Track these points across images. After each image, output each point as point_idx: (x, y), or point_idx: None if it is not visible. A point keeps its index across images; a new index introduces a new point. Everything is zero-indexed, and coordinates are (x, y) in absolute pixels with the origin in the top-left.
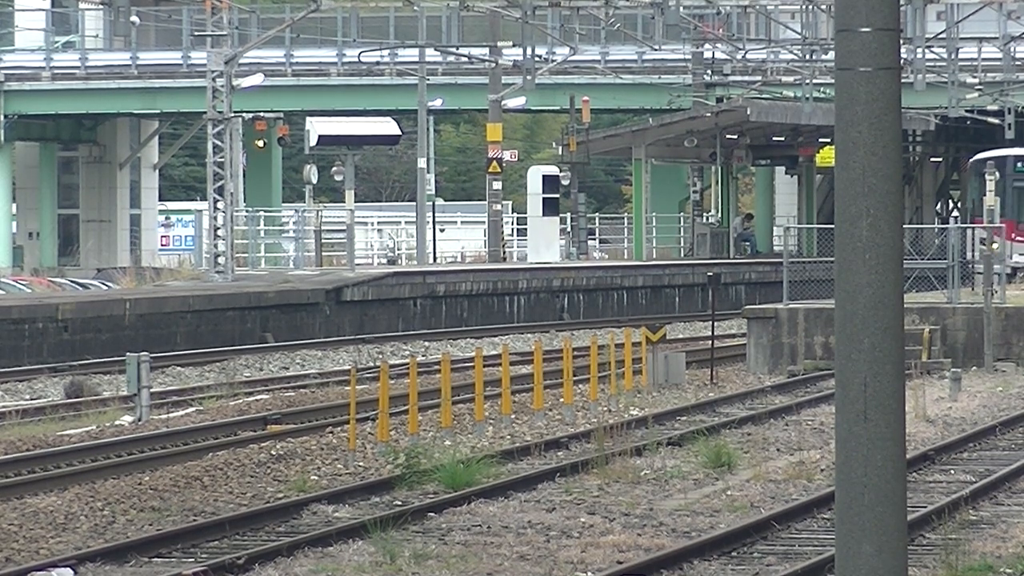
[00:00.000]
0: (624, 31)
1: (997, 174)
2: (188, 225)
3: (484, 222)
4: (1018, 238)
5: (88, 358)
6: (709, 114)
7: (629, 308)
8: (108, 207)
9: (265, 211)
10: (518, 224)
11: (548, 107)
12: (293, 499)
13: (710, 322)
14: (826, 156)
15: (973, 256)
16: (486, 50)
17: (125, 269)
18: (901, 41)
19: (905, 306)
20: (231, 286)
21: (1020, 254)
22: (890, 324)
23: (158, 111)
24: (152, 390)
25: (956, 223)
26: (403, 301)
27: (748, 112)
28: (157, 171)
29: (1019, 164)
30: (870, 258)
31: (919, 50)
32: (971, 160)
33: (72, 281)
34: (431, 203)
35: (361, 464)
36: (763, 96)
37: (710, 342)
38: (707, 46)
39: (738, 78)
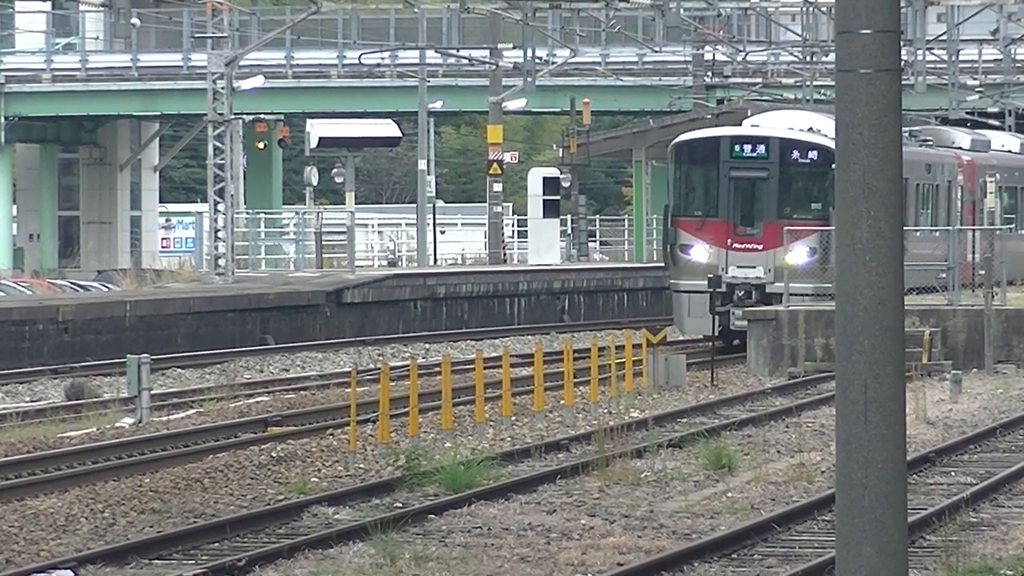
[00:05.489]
0: (624, 33)
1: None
2: (189, 227)
3: (484, 224)
4: (736, 245)
5: (89, 360)
6: (710, 116)
7: (630, 310)
8: (108, 209)
9: (265, 213)
10: (518, 226)
11: (548, 109)
12: (293, 501)
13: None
14: None
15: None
16: (486, 52)
17: (125, 271)
18: (902, 43)
19: (905, 308)
20: (231, 288)
21: (739, 266)
22: (890, 326)
23: (158, 113)
24: (152, 392)
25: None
26: (403, 303)
27: (749, 114)
28: (157, 173)
29: (737, 147)
30: (870, 260)
31: (920, 52)
32: (673, 143)
33: (72, 283)
34: (431, 205)
35: (361, 466)
36: (764, 98)
37: (711, 344)
38: (707, 48)
39: (739, 80)
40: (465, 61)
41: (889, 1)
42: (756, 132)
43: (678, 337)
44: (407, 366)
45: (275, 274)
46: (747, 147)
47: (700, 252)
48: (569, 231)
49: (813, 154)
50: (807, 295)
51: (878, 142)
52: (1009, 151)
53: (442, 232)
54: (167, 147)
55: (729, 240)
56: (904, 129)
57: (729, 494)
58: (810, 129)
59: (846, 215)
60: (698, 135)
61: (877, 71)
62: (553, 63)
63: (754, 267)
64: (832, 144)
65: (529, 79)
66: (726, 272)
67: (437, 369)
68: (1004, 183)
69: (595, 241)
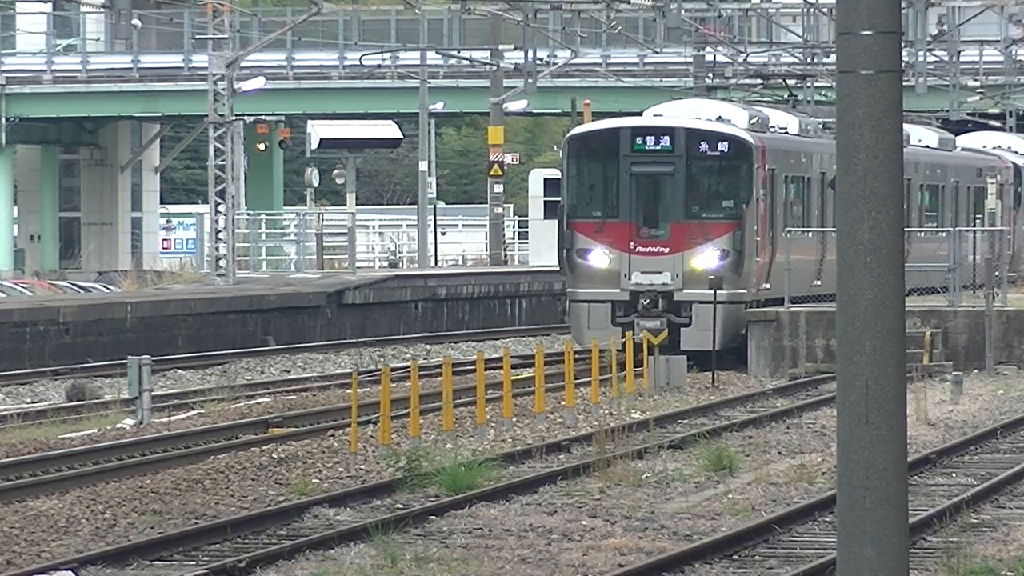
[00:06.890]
0: (625, 34)
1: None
2: (189, 228)
3: (485, 225)
4: (640, 249)
5: (89, 361)
6: None
7: None
8: (109, 210)
9: (266, 214)
10: (519, 227)
11: (549, 110)
12: (294, 502)
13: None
14: None
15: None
16: (487, 53)
17: (126, 272)
18: (902, 44)
19: (906, 309)
20: (232, 289)
21: (644, 272)
22: (891, 327)
23: (159, 114)
24: (153, 393)
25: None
26: (404, 304)
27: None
28: (158, 174)
29: (638, 139)
30: (871, 261)
31: (920, 53)
32: (567, 136)
33: (73, 284)
34: (432, 206)
35: (362, 467)
36: (764, 99)
37: (712, 345)
38: (708, 49)
39: (740, 81)
40: (466, 62)
41: (890, 2)
42: (659, 122)
43: None
44: (408, 367)
45: (276, 275)
46: (650, 139)
47: (599, 257)
48: None
49: (723, 146)
50: (722, 302)
51: (879, 143)
52: (927, 147)
53: (443, 233)
54: (168, 148)
55: (631, 243)
56: (817, 121)
57: (730, 495)
58: (719, 118)
59: (847, 216)
60: (595, 126)
61: (878, 72)
62: (554, 64)
63: (660, 272)
64: (745, 135)
65: (530, 80)
66: (629, 279)
67: (438, 370)
68: (925, 180)
69: None
